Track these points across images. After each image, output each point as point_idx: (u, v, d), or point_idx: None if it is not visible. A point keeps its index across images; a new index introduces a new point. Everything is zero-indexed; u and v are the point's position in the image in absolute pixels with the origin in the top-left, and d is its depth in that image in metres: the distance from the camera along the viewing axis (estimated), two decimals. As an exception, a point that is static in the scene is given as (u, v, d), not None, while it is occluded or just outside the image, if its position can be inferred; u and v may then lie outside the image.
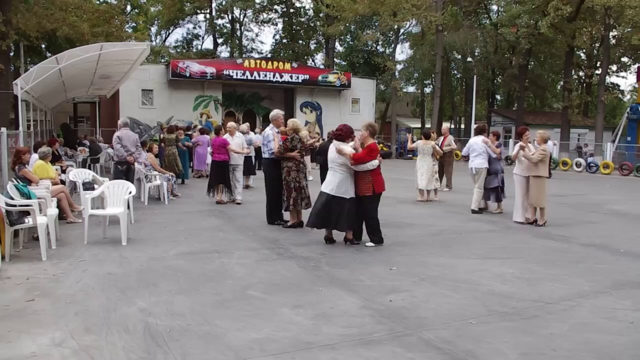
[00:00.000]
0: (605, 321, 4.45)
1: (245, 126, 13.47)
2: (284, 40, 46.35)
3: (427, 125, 38.12)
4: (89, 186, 9.20)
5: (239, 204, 10.75)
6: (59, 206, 7.94)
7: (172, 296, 4.85)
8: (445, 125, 15.82)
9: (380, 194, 7.19)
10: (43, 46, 28.64)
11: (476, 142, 10.49)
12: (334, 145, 7.10)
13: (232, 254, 6.56)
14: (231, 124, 11.48)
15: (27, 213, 6.32)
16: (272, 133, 8.71)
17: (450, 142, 14.02)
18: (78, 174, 9.83)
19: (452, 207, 11.04)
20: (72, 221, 8.45)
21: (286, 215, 8.65)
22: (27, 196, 6.78)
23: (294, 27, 45.61)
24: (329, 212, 6.98)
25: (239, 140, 10.99)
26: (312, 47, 47.61)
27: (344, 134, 7.20)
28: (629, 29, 27.14)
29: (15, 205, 6.27)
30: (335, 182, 6.98)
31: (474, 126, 16.09)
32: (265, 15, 45.81)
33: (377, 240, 7.17)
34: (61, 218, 8.03)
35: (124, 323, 4.17)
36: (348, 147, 7.02)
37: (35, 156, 9.25)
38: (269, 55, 44.18)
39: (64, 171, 10.94)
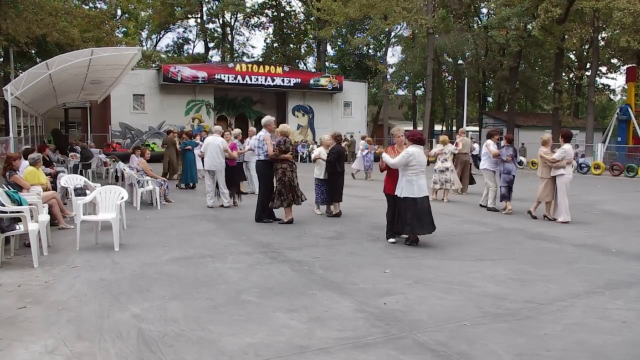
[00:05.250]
0: (598, 321, 4.48)
1: (237, 130, 13.49)
2: (275, 44, 46.40)
3: (419, 128, 38.24)
4: (80, 192, 9.13)
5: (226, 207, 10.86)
6: (50, 212, 7.88)
7: (165, 301, 4.82)
8: (461, 129, 16.08)
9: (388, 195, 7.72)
10: (33, 52, 28.49)
11: (484, 146, 11.33)
12: (421, 150, 7.47)
13: (225, 258, 6.54)
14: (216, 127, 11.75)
15: (18, 220, 6.27)
16: (266, 137, 9.15)
17: (465, 145, 14.29)
18: (70, 180, 9.76)
19: (445, 209, 11.07)
20: (63, 227, 8.39)
21: (277, 214, 9.29)
22: (18, 202, 6.72)
23: (285, 30, 45.68)
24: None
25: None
26: (303, 50, 47.70)
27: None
28: (617, 31, 27.40)
29: (6, 212, 6.22)
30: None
31: (463, 129, 16.33)
32: (256, 19, 45.89)
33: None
34: (53, 224, 7.97)
35: (117, 329, 4.14)
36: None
37: (25, 162, 9.18)
38: (260, 59, 44.22)
39: (54, 177, 10.84)
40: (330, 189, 9.90)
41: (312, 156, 10.47)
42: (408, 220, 7.23)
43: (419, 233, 7.36)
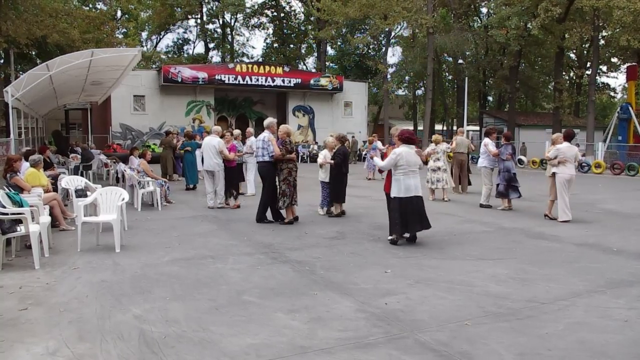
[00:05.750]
0: (599, 320, 4.47)
1: (237, 132, 13.51)
2: (275, 45, 46.40)
3: (420, 128, 38.25)
4: (81, 193, 9.15)
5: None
6: (51, 214, 7.89)
7: (166, 303, 4.83)
8: (460, 128, 16.07)
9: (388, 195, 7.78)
10: (33, 53, 28.53)
11: (482, 145, 11.44)
12: (411, 150, 7.48)
13: (226, 259, 6.54)
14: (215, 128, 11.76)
15: (20, 221, 6.27)
16: (271, 137, 9.20)
17: (460, 144, 14.27)
18: (70, 181, 9.77)
19: (445, 209, 11.08)
20: (65, 229, 8.40)
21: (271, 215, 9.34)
22: (19, 204, 6.73)
23: (285, 31, 45.69)
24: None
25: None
26: (304, 50, 47.69)
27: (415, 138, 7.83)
28: (617, 30, 27.39)
29: (7, 214, 6.23)
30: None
31: (462, 128, 16.39)
32: (256, 19, 45.90)
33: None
34: (54, 226, 7.98)
35: (118, 330, 4.15)
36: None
37: (26, 164, 9.18)
38: (260, 60, 44.22)
39: (55, 178, 10.84)
40: (333, 190, 9.89)
41: (319, 162, 10.30)
42: (396, 220, 7.37)
43: (402, 232, 7.47)
